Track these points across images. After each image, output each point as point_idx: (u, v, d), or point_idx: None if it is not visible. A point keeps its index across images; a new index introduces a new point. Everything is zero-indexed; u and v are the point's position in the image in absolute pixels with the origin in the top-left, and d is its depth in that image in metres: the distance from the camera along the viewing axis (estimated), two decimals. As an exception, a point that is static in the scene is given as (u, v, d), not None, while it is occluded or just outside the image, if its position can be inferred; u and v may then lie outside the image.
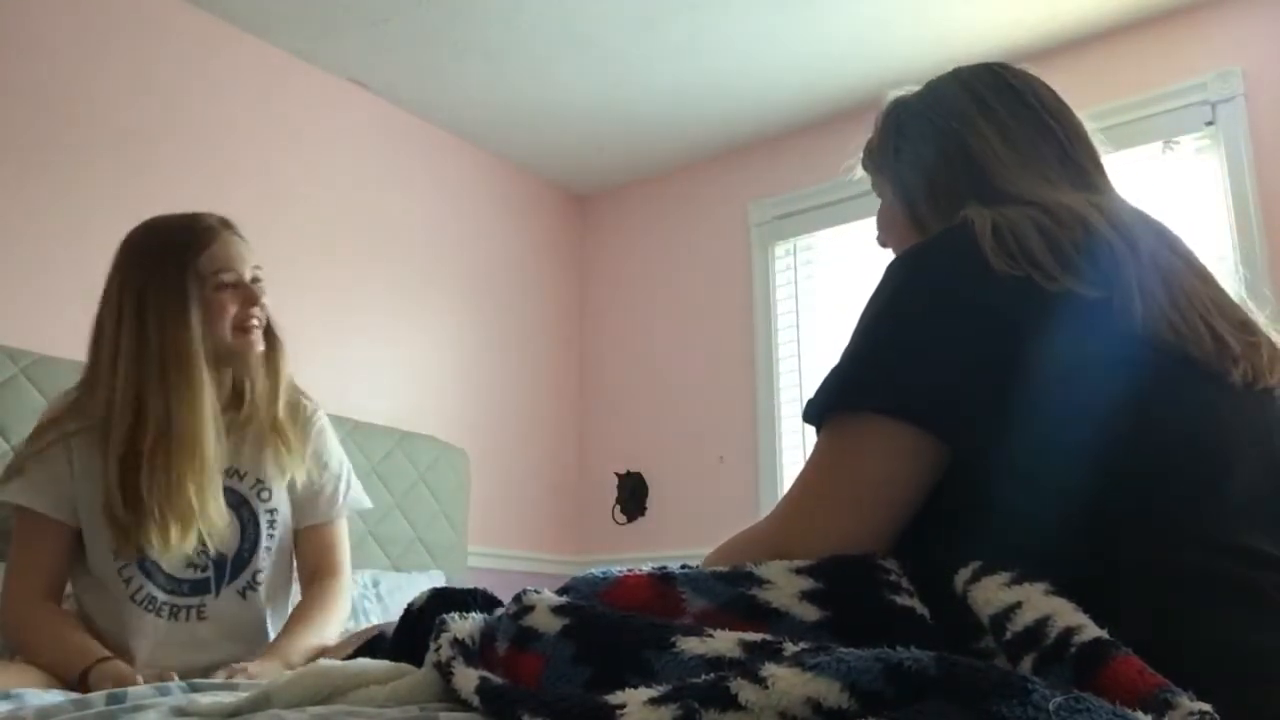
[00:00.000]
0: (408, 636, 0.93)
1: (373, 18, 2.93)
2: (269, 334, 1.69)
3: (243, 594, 1.65)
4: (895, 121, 1.10)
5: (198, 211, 1.69)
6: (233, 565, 1.65)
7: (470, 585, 0.97)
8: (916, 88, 1.11)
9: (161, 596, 1.59)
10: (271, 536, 1.69)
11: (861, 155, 1.16)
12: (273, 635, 1.66)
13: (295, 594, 1.80)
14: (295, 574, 1.79)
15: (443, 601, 0.90)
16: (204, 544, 1.59)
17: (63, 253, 2.46)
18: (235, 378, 1.70)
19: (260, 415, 1.68)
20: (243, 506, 1.67)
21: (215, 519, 1.57)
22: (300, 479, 1.72)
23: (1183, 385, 0.82)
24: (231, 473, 1.66)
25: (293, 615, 1.69)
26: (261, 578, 1.67)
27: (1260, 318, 0.92)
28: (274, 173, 2.99)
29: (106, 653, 1.47)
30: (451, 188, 3.57)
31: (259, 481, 1.69)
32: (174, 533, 1.53)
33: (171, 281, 1.57)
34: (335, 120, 3.20)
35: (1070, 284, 0.83)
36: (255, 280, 1.66)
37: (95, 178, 2.57)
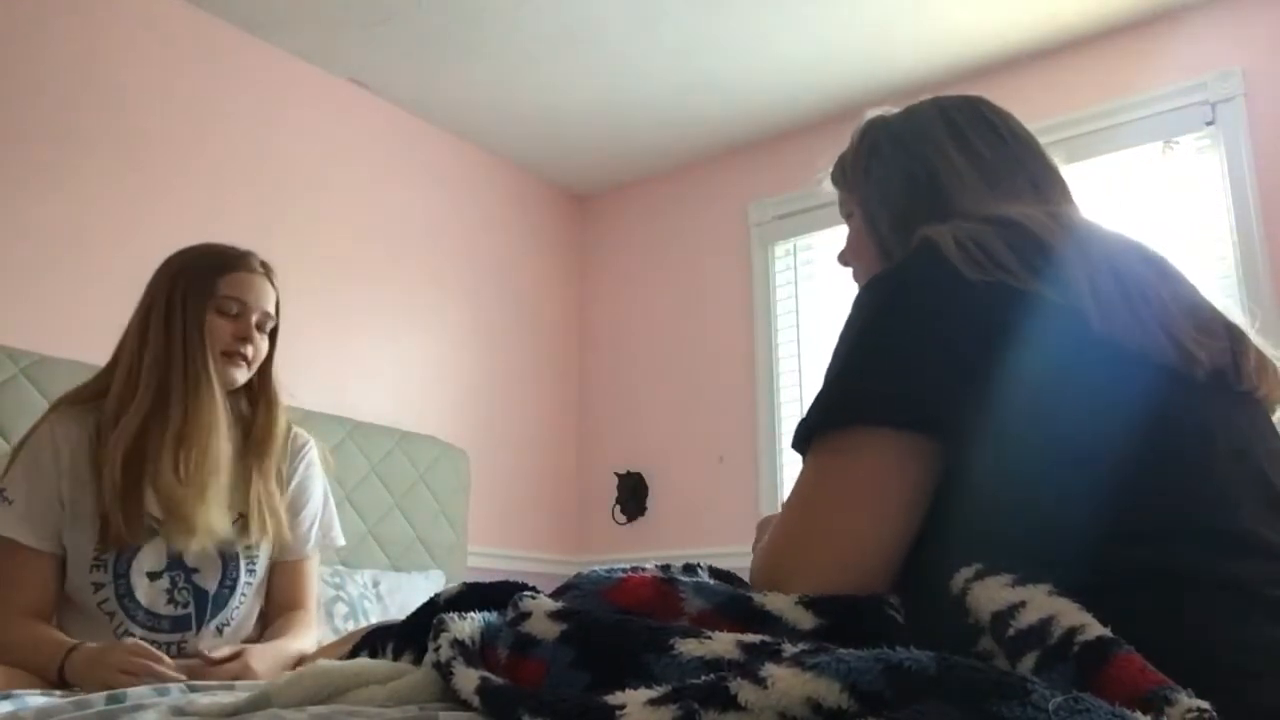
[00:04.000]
0: (423, 623, 0.90)
1: (373, 18, 2.93)
2: (265, 389, 1.73)
3: (220, 631, 1.66)
4: (871, 141, 1.09)
5: (245, 249, 1.75)
6: (214, 602, 1.65)
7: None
8: (896, 109, 1.11)
9: (139, 633, 1.59)
10: (252, 573, 1.70)
11: (833, 169, 1.16)
12: None
13: None
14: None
15: (475, 596, 0.89)
16: (188, 580, 1.63)
17: (63, 253, 2.46)
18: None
19: (247, 456, 1.70)
20: (225, 543, 1.67)
21: (215, 523, 1.60)
22: (278, 515, 1.74)
23: (1149, 386, 0.83)
24: None
25: (266, 635, 1.69)
26: (239, 614, 1.68)
27: (1245, 324, 0.93)
28: (274, 173, 2.99)
29: (75, 641, 1.47)
30: (452, 188, 3.57)
31: (241, 516, 1.69)
32: (175, 529, 1.58)
33: (196, 296, 1.65)
34: (336, 120, 3.21)
35: (1039, 288, 0.84)
36: (262, 324, 1.71)
37: (95, 178, 2.57)
